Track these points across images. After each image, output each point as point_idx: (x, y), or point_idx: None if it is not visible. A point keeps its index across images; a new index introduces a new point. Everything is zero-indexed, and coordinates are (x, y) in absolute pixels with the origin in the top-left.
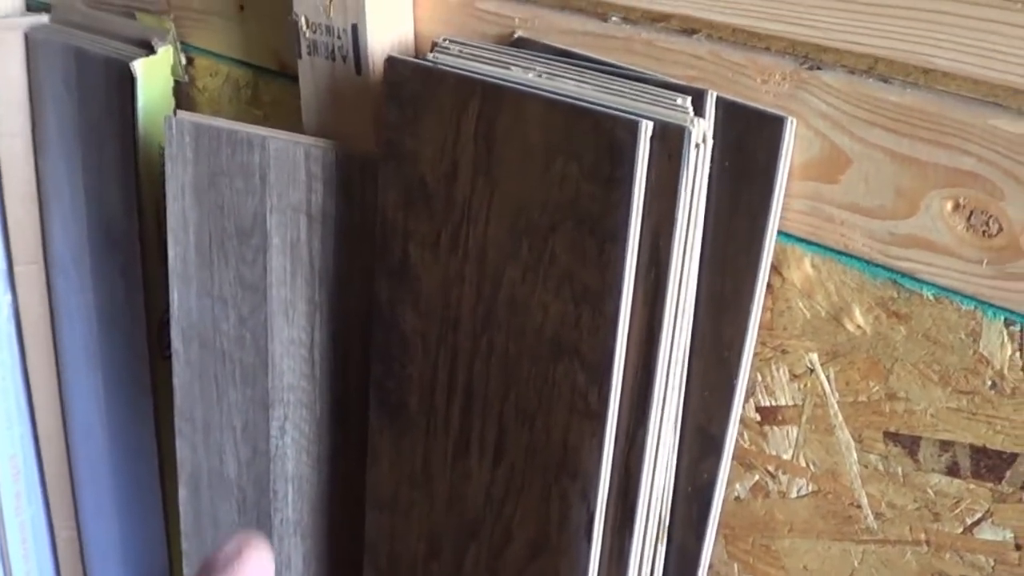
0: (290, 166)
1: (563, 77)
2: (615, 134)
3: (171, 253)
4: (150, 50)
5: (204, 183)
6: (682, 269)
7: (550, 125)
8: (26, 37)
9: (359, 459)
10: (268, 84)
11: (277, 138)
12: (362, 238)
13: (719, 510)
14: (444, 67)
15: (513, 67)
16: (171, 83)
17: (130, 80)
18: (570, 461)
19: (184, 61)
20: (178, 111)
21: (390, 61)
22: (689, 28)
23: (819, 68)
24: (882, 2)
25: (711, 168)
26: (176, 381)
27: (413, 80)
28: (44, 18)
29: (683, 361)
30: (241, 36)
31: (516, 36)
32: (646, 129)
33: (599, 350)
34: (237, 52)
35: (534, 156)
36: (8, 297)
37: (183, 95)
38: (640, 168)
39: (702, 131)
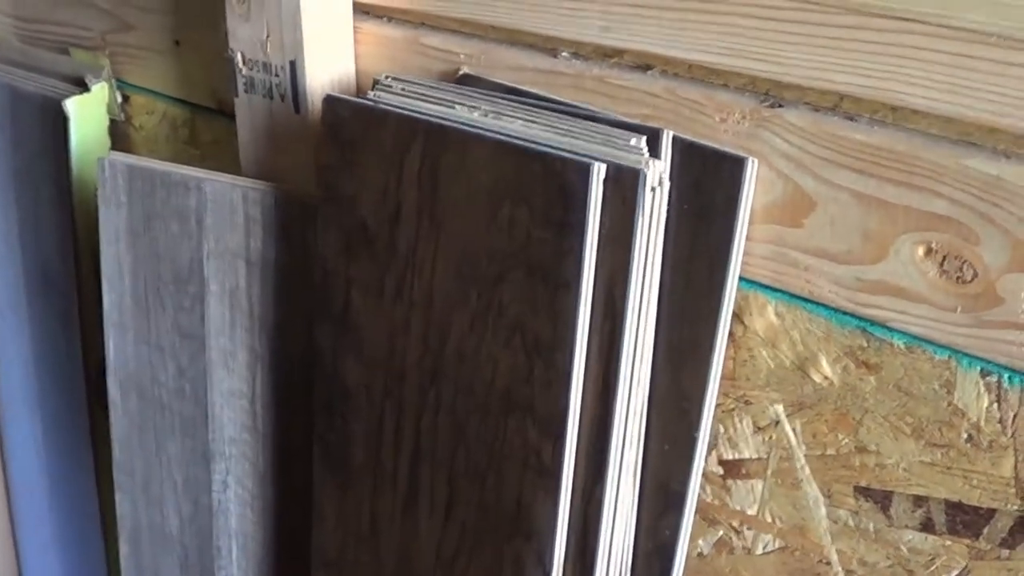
0: (227, 209)
1: (511, 116)
2: (566, 177)
3: (106, 300)
4: (85, 88)
5: (139, 227)
6: (639, 318)
7: (498, 167)
8: None
9: (305, 514)
10: (206, 123)
11: (214, 180)
12: (304, 284)
13: (682, 567)
14: (386, 106)
15: (458, 106)
16: (107, 122)
17: (63, 119)
18: (524, 520)
19: (120, 99)
20: (111, 152)
21: (328, 100)
22: (643, 64)
23: (781, 106)
24: (847, 36)
25: (668, 212)
26: (114, 433)
27: (353, 120)
28: None
29: (641, 414)
30: (178, 73)
31: (462, 73)
32: (598, 172)
33: (552, 404)
34: (174, 90)
35: (481, 200)
36: None
37: (119, 134)
38: (593, 213)
39: (658, 173)
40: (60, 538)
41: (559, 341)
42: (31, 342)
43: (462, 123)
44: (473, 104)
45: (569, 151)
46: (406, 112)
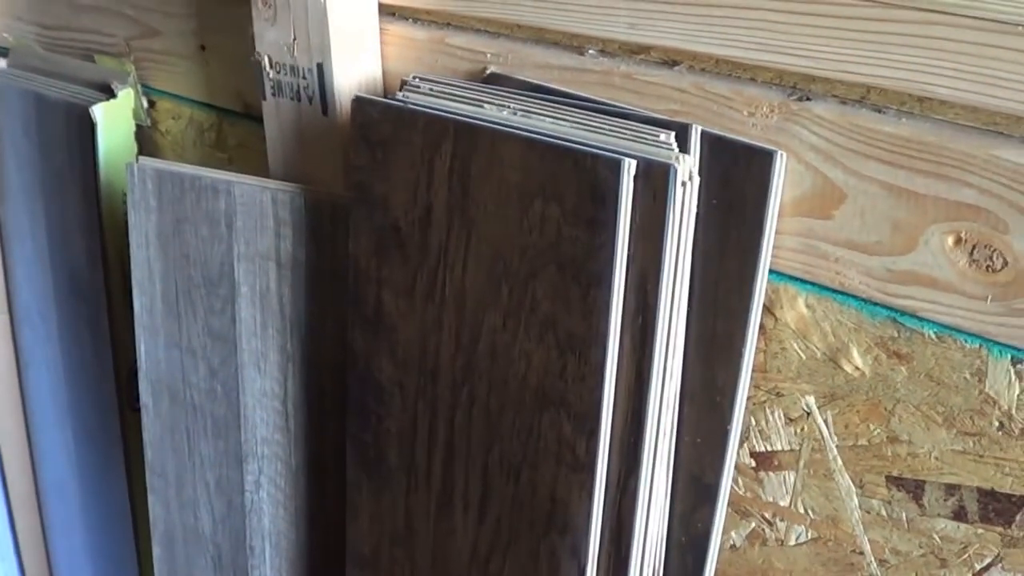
0: (257, 212)
1: (539, 114)
2: (597, 173)
3: (137, 304)
4: (110, 94)
5: (169, 231)
6: (671, 313)
7: (528, 165)
8: None
9: (339, 513)
10: (233, 126)
11: (243, 183)
12: (335, 285)
13: (715, 560)
14: (415, 106)
15: (487, 105)
16: (133, 127)
17: (90, 125)
18: (559, 515)
19: (146, 104)
20: (140, 157)
21: (358, 101)
22: (670, 60)
23: (809, 99)
24: (874, 29)
25: (698, 206)
26: (146, 435)
27: (382, 120)
28: (1, 63)
29: (674, 407)
30: (203, 77)
31: (489, 72)
32: (629, 168)
33: (586, 399)
34: (200, 94)
35: (512, 198)
36: None
37: (146, 139)
38: (624, 209)
39: (688, 168)
40: (92, 543)
41: (592, 336)
42: (61, 348)
43: (491, 122)
44: (502, 103)
45: (599, 147)
46: (435, 112)
